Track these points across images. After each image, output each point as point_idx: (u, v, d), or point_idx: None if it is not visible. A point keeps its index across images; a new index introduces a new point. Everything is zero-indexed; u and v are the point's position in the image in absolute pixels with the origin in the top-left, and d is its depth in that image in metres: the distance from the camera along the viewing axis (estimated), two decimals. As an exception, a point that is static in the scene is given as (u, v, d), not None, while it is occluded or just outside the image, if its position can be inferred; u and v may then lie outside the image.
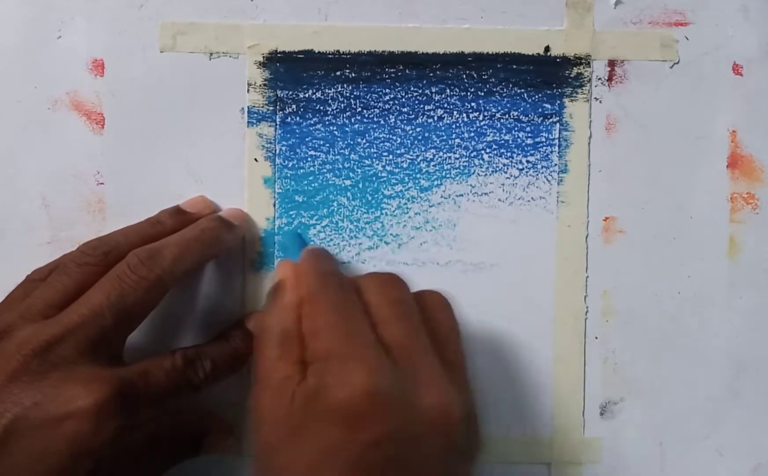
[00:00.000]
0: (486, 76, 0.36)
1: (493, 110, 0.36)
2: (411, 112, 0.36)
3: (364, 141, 0.36)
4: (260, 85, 0.36)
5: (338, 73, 0.36)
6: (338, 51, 0.36)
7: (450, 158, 0.37)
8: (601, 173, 0.37)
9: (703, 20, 0.36)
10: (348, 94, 0.36)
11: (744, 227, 0.37)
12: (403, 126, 0.37)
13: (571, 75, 0.36)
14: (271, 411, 0.28)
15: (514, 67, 0.36)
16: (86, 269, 0.32)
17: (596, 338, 0.37)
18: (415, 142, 0.37)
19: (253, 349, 0.30)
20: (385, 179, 0.37)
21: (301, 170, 0.37)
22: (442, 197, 0.37)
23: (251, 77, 0.36)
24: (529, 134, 0.37)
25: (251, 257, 0.36)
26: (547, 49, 0.36)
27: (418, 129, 0.37)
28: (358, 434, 0.26)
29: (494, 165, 0.37)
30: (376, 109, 0.36)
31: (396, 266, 0.36)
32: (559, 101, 0.36)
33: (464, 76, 0.36)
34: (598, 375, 0.37)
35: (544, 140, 0.37)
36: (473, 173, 0.37)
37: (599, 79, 0.36)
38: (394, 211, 0.37)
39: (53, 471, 0.28)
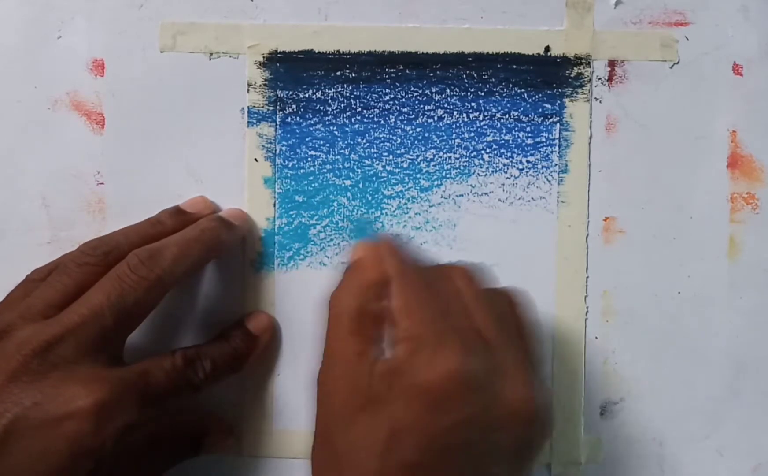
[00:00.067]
0: (486, 76, 0.36)
1: (493, 110, 0.36)
2: (411, 112, 0.36)
3: (364, 141, 0.36)
4: (260, 85, 0.36)
5: (338, 73, 0.36)
6: (338, 51, 0.36)
7: (450, 158, 0.37)
8: (601, 173, 0.37)
9: (703, 20, 0.36)
10: (348, 94, 0.36)
11: (744, 227, 0.37)
12: (403, 126, 0.37)
13: (571, 75, 0.36)
14: (344, 385, 0.28)
15: (514, 67, 0.36)
16: (86, 269, 0.32)
17: (596, 338, 0.37)
18: (415, 142, 0.37)
19: (326, 325, 0.30)
20: (385, 179, 0.37)
21: (301, 170, 0.37)
22: (442, 197, 0.37)
23: (251, 77, 0.36)
24: (529, 134, 0.37)
25: (251, 257, 0.36)
26: (547, 49, 0.36)
27: (418, 129, 0.37)
28: (440, 415, 0.26)
29: (494, 165, 0.37)
30: (376, 109, 0.36)
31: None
32: (559, 101, 0.36)
33: (464, 76, 0.36)
34: (598, 375, 0.37)
35: (544, 140, 0.37)
36: (473, 173, 0.37)
37: (599, 79, 0.36)
38: (394, 211, 0.37)
39: (53, 471, 0.28)
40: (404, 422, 0.26)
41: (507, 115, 0.37)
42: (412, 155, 0.37)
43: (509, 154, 0.37)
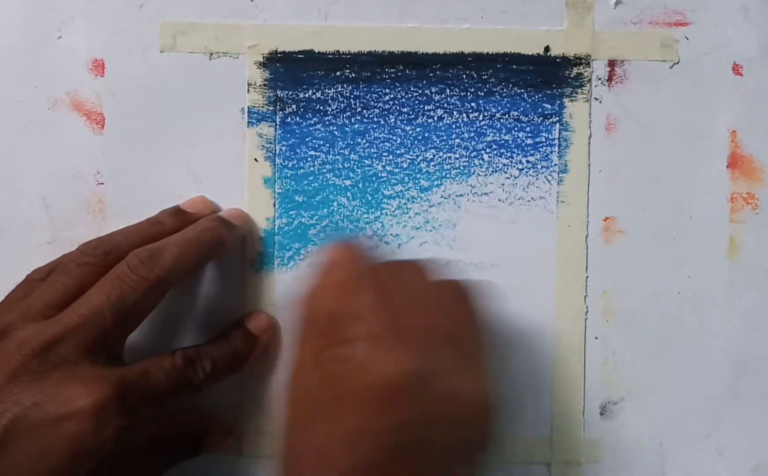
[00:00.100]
0: (486, 76, 0.36)
1: (493, 110, 0.36)
2: (411, 112, 0.36)
3: (364, 141, 0.36)
4: (260, 85, 0.36)
5: (338, 73, 0.36)
6: (338, 51, 0.36)
7: (450, 158, 0.37)
8: (601, 173, 0.37)
9: (703, 20, 0.36)
10: (348, 94, 0.36)
11: (744, 227, 0.37)
12: (403, 126, 0.37)
13: (571, 75, 0.36)
14: (302, 388, 0.28)
15: (514, 67, 0.36)
16: (86, 269, 0.32)
17: (596, 338, 0.37)
18: (415, 142, 0.37)
19: (299, 327, 0.30)
20: (385, 179, 0.37)
21: (301, 170, 0.37)
22: (442, 197, 0.37)
23: (251, 77, 0.36)
24: (529, 134, 0.37)
25: (251, 257, 0.36)
26: (547, 49, 0.36)
27: (418, 129, 0.37)
28: (384, 417, 0.26)
29: (494, 165, 0.37)
30: (376, 109, 0.36)
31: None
32: (559, 101, 0.36)
33: (464, 76, 0.36)
34: (598, 375, 0.37)
35: (544, 140, 0.37)
36: (473, 173, 0.37)
37: (599, 79, 0.36)
38: (394, 211, 0.37)
39: (53, 471, 0.28)
40: (362, 422, 0.26)
41: (507, 115, 0.37)
42: (412, 155, 0.37)
43: (509, 154, 0.37)
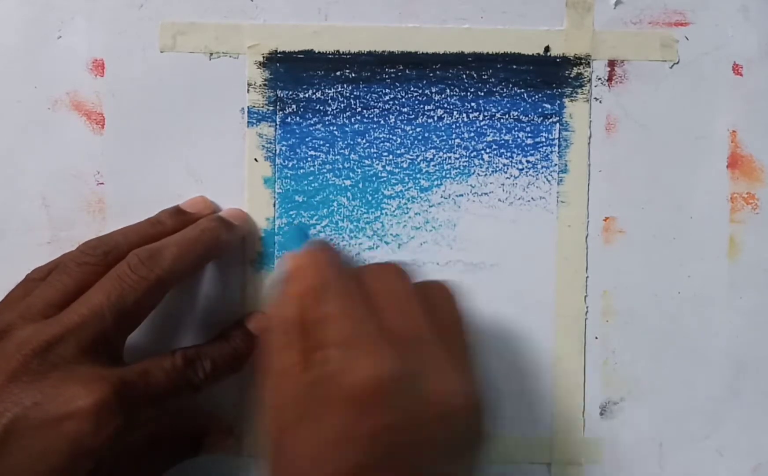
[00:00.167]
0: (486, 76, 0.36)
1: (493, 110, 0.37)
2: (411, 112, 0.36)
3: (364, 141, 0.36)
4: (260, 85, 0.36)
5: (338, 73, 0.36)
6: (338, 51, 0.36)
7: (450, 158, 0.37)
8: (601, 173, 0.37)
9: (703, 20, 0.36)
10: (348, 94, 0.36)
11: (744, 227, 0.37)
12: (403, 126, 0.37)
13: (571, 75, 0.36)
14: (278, 399, 0.28)
15: (514, 67, 0.36)
16: (86, 268, 0.32)
17: (596, 338, 0.37)
18: (415, 142, 0.37)
19: (262, 340, 0.30)
20: (385, 179, 0.37)
21: (301, 170, 0.37)
22: (442, 197, 0.37)
23: (251, 77, 0.36)
24: (529, 134, 0.37)
25: (251, 257, 0.36)
26: (547, 49, 0.36)
27: (418, 129, 0.37)
28: (365, 421, 0.26)
29: (494, 165, 0.37)
30: (376, 109, 0.36)
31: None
32: (559, 101, 0.36)
33: (464, 76, 0.36)
34: (598, 375, 0.37)
35: (544, 140, 0.37)
36: (473, 173, 0.37)
37: (599, 79, 0.36)
38: (394, 211, 0.37)
39: (53, 471, 0.28)
40: (334, 432, 0.26)
41: (507, 115, 0.37)
42: (412, 155, 0.37)
43: (509, 154, 0.37)
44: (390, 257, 0.36)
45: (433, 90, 0.36)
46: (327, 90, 0.36)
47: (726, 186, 0.37)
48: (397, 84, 0.36)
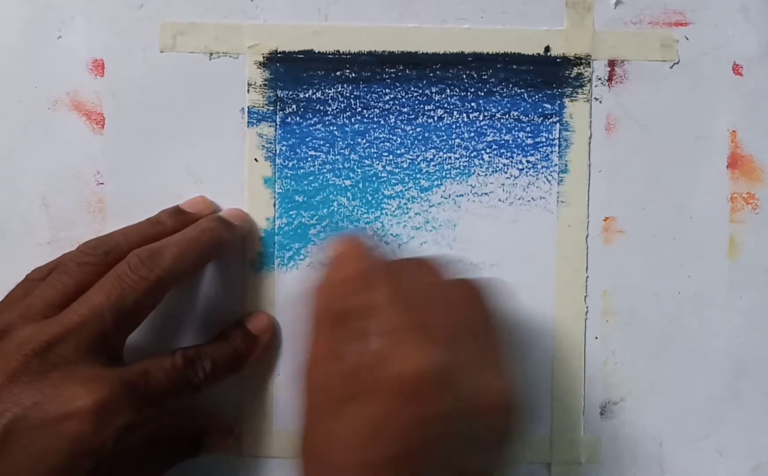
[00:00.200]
0: (486, 76, 0.36)
1: (493, 110, 0.36)
2: (411, 112, 0.36)
3: (364, 141, 0.36)
4: (260, 85, 0.36)
5: (338, 73, 0.36)
6: (338, 51, 0.36)
7: (450, 158, 0.37)
8: (601, 173, 0.37)
9: (703, 20, 0.36)
10: (348, 94, 0.36)
11: (744, 227, 0.37)
12: (403, 126, 0.37)
13: (571, 75, 0.36)
14: (315, 384, 0.28)
15: (514, 67, 0.36)
16: (86, 268, 0.32)
17: (596, 338, 0.37)
18: (415, 142, 0.37)
19: (309, 320, 0.30)
20: (385, 179, 0.37)
21: (301, 170, 0.37)
22: (442, 197, 0.37)
23: (251, 77, 0.36)
24: (529, 134, 0.37)
25: (251, 257, 0.36)
26: (547, 49, 0.36)
27: (418, 129, 0.37)
28: (408, 411, 0.26)
29: (494, 165, 0.37)
30: (376, 109, 0.36)
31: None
32: (559, 101, 0.36)
33: (464, 76, 0.36)
34: (598, 375, 0.37)
35: (544, 140, 0.37)
36: (473, 173, 0.37)
37: (599, 79, 0.36)
38: (394, 211, 0.37)
39: (53, 471, 0.28)
40: (385, 415, 0.26)
41: (507, 115, 0.37)
42: (412, 155, 0.37)
43: (509, 154, 0.37)
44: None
45: (433, 90, 0.36)
46: (327, 90, 0.36)
47: (726, 186, 0.37)
48: (397, 84, 0.36)
